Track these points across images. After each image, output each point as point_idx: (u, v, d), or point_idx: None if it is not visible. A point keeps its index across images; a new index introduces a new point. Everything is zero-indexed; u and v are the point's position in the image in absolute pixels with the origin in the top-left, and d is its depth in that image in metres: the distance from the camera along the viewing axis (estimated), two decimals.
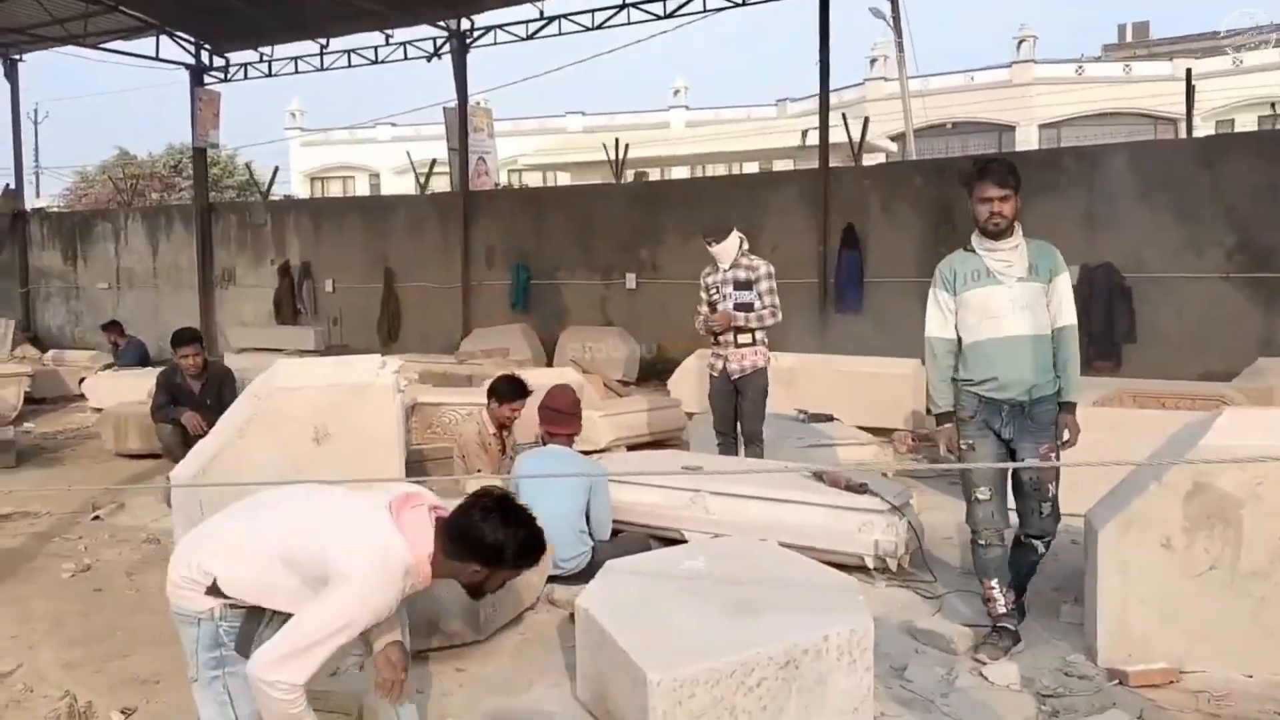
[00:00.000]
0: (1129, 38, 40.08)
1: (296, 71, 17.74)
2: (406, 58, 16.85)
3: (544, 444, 5.47)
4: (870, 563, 4.96)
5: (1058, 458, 4.14)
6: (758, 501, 5.26)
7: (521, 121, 34.13)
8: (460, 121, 16.37)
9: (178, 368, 6.94)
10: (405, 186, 38.81)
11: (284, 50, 17.81)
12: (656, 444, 8.78)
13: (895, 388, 9.15)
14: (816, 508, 5.12)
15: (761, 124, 33.71)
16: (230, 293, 18.93)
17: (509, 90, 28.61)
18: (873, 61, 35.50)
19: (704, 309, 6.50)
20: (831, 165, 13.49)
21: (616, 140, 16.06)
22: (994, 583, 4.22)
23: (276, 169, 19.65)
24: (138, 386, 10.55)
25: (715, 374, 6.52)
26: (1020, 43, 33.83)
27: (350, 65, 17.23)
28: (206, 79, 18.33)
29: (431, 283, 16.54)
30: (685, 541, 5.35)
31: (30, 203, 21.02)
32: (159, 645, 4.36)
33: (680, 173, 28.27)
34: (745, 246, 6.45)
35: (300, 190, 38.56)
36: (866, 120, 13.84)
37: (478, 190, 16.61)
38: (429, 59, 16.58)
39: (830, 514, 5.07)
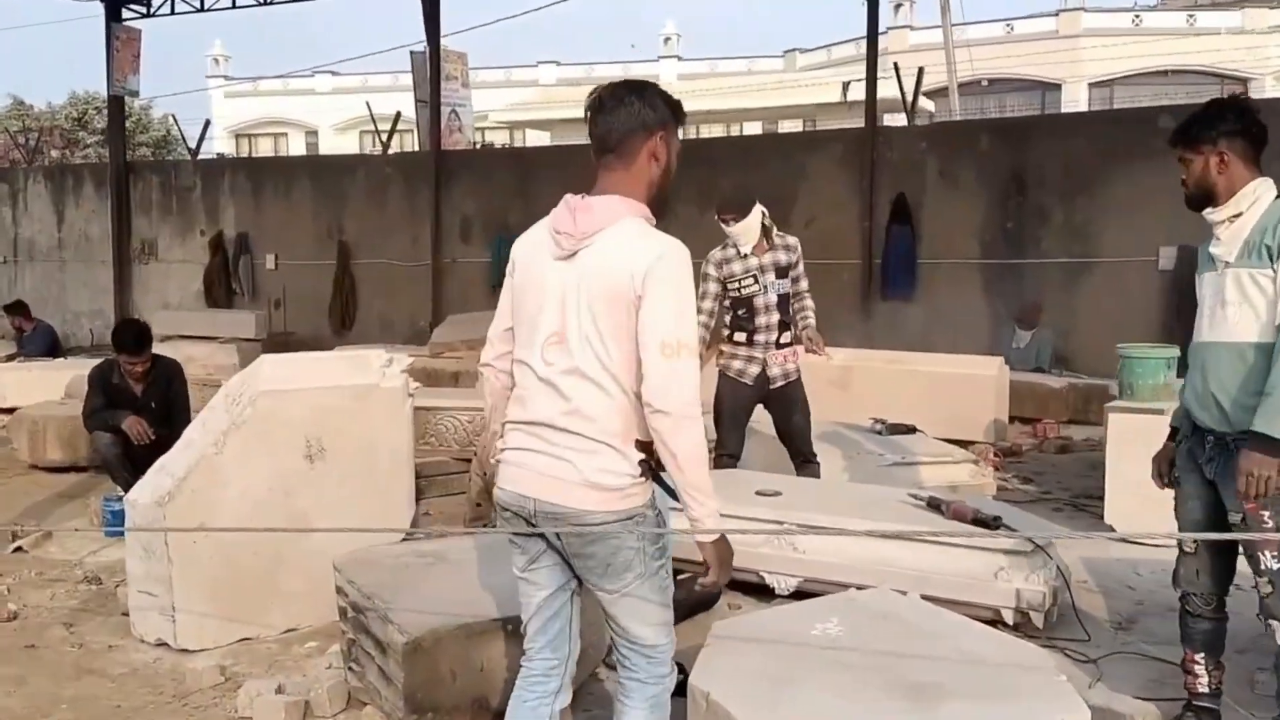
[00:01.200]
0: None
1: (234, 6, 17.15)
2: None
3: None
4: (1010, 617, 4.59)
5: (1274, 518, 3.44)
6: (863, 538, 4.88)
7: (484, 72, 33.57)
8: (432, 68, 15.88)
9: (115, 364, 6.47)
10: (348, 145, 38.40)
11: None
12: None
13: (975, 392, 8.82)
14: (940, 547, 4.74)
15: (766, 78, 33.42)
16: (151, 269, 18.41)
17: (469, 36, 28.19)
18: (897, 7, 35.26)
19: (707, 304, 5.96)
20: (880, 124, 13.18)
21: None
22: (1200, 656, 3.83)
23: (208, 122, 19.08)
24: (53, 381, 10.09)
25: (740, 380, 6.06)
26: None
27: None
28: (125, 14, 17.70)
29: (395, 260, 16.13)
30: (768, 587, 5.03)
31: None
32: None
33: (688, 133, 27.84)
34: (769, 222, 6.03)
35: (224, 149, 37.84)
36: (921, 71, 13.46)
37: (451, 150, 16.18)
38: None
39: (958, 555, 4.69)
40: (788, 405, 6.08)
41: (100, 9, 17.66)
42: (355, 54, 59.88)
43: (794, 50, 38.10)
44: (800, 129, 26.61)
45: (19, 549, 5.91)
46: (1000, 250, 12.15)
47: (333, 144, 38.48)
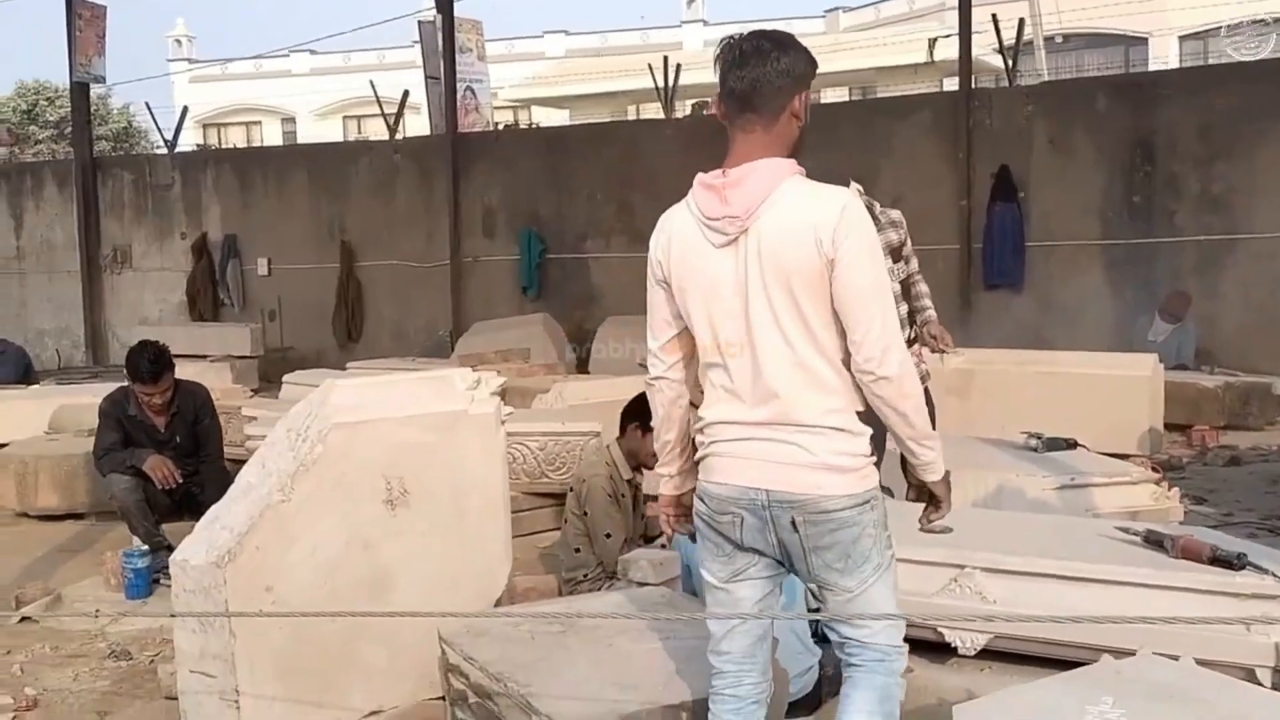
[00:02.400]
0: None
1: None
2: None
3: None
4: (1267, 678, 4.20)
5: None
6: (1069, 583, 4.51)
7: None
8: (445, 39, 15.61)
9: (130, 394, 6.15)
10: (331, 133, 38.24)
11: None
12: None
13: (1126, 396, 8.48)
14: (1170, 592, 4.35)
15: (809, 41, 33.07)
16: (126, 279, 18.23)
17: (469, 5, 27.90)
18: None
19: None
20: (978, 85, 12.85)
21: (665, 60, 15.36)
22: None
23: (185, 109, 18.88)
24: (34, 413, 9.78)
25: None
26: None
27: None
28: None
29: (408, 260, 15.97)
30: (947, 645, 4.67)
31: None
32: None
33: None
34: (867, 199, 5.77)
35: (190, 141, 37.64)
36: (1021, 22, 13.12)
37: (469, 132, 15.96)
38: None
39: (1196, 602, 4.31)
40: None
41: None
42: (338, 30, 59.32)
43: (837, 9, 37.78)
44: (848, 98, 26.35)
45: (25, 618, 5.57)
46: (1124, 229, 11.85)
47: (313, 131, 38.33)
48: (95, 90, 32.98)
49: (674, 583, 4.29)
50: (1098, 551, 4.70)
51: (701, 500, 3.04)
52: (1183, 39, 32.19)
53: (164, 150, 18.39)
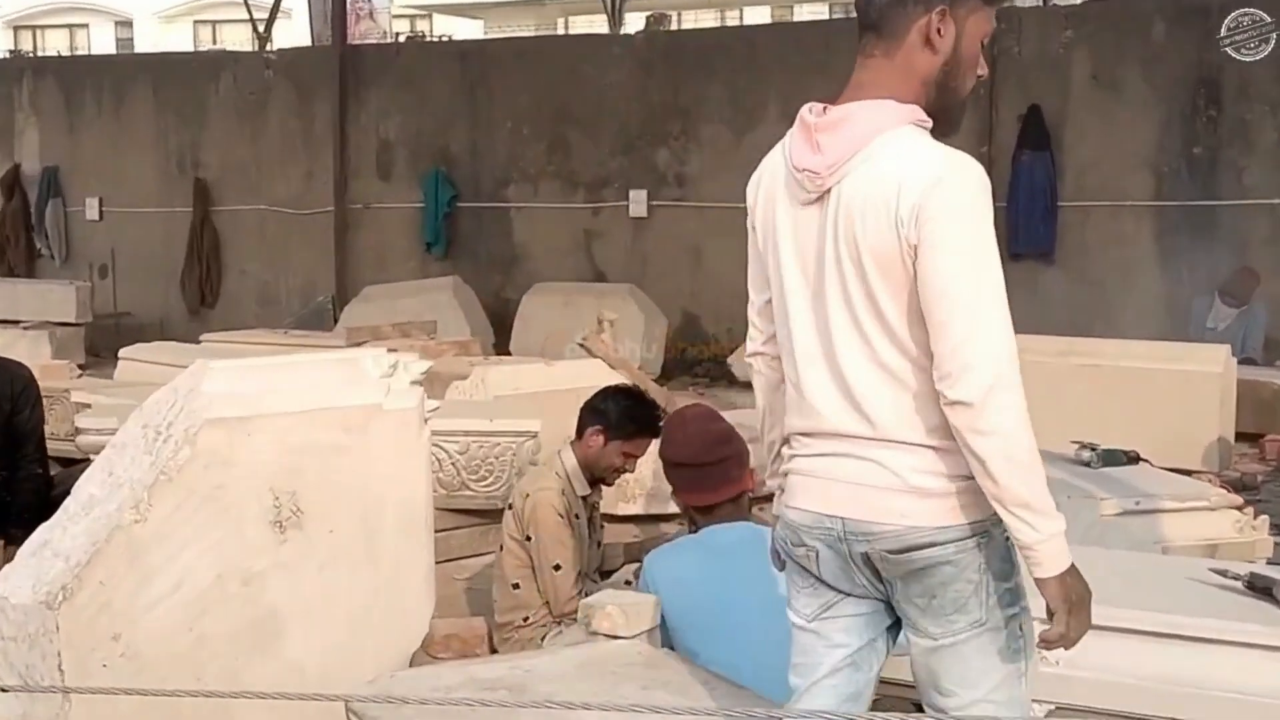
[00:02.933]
0: None
1: None
2: None
3: (693, 525, 4.68)
4: None
5: None
6: (1154, 641, 4.38)
7: None
8: None
9: None
10: (178, 42, 37.60)
11: None
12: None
13: (1193, 397, 8.40)
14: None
15: None
16: None
17: None
18: None
19: None
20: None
21: None
22: None
23: None
24: None
25: None
26: None
27: None
28: None
29: (280, 206, 15.73)
30: None
31: None
32: None
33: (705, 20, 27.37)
34: None
35: None
36: None
37: (362, 45, 15.70)
38: None
39: None
40: None
41: None
42: None
43: None
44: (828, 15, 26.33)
45: None
46: (1181, 187, 11.89)
47: (155, 38, 37.71)
48: None
49: (650, 635, 4.09)
50: (1188, 600, 4.58)
51: (782, 525, 3.05)
52: None
53: None
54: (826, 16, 26.03)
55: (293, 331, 13.09)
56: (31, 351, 13.73)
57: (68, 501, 4.22)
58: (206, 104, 16.16)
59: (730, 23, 26.77)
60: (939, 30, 2.76)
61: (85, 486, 4.22)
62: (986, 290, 2.66)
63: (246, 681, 4.15)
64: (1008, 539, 2.84)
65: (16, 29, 39.82)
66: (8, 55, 20.15)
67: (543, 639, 5.09)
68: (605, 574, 5.67)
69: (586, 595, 5.11)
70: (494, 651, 5.29)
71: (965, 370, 2.63)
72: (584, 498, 5.33)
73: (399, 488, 4.52)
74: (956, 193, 2.68)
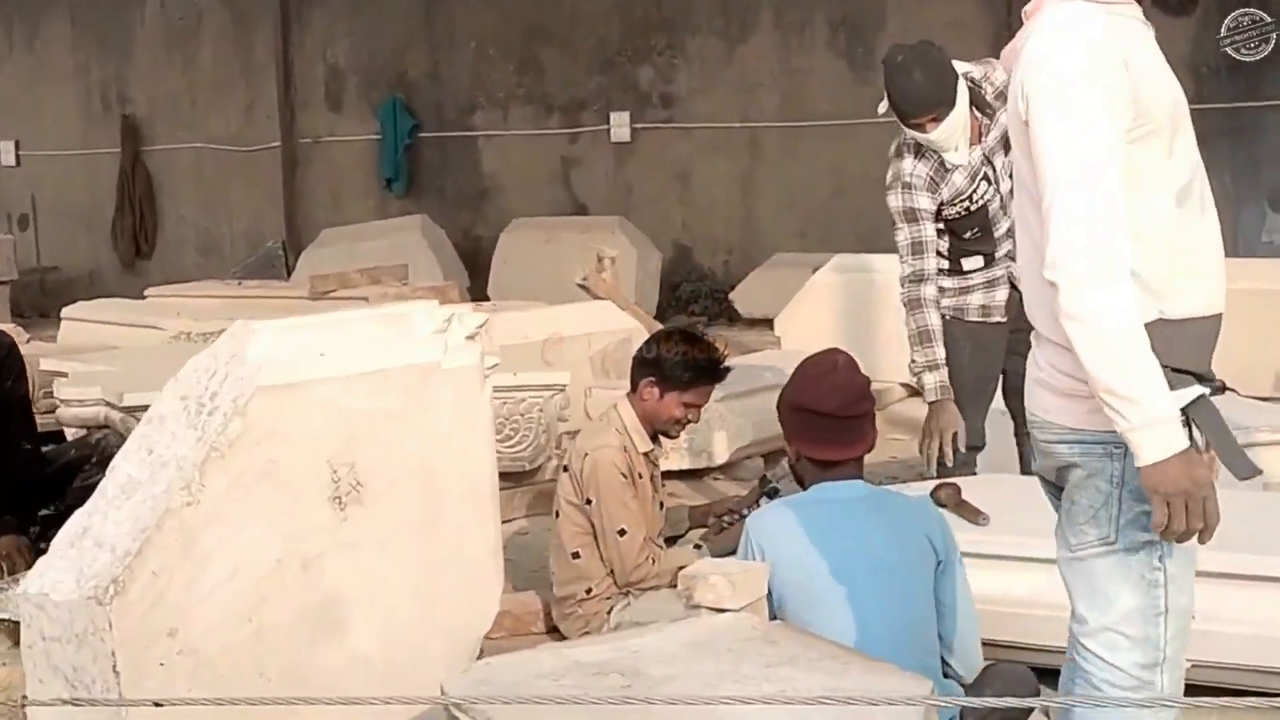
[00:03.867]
0: None
1: None
2: None
3: (801, 483, 4.57)
4: None
5: None
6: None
7: None
8: None
9: None
10: None
11: None
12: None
13: (1263, 317, 8.43)
14: None
15: None
16: None
17: None
18: None
19: (921, 262, 5.89)
20: None
21: None
22: None
23: None
24: None
25: (988, 321, 6.00)
26: None
27: None
28: None
29: (219, 143, 15.58)
30: None
31: None
32: None
33: None
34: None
35: None
36: None
37: None
38: None
39: None
40: (1024, 338, 5.78)
41: None
42: None
43: None
44: None
45: None
46: (1222, 88, 11.85)
47: None
48: None
49: (757, 606, 4.04)
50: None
51: None
52: None
53: None
54: None
55: (246, 282, 12.90)
56: None
57: (103, 484, 4.11)
58: (131, 32, 15.88)
59: None
60: None
61: (121, 466, 4.12)
62: (1076, 168, 2.78)
63: (310, 674, 4.10)
64: (1126, 454, 2.89)
65: None
66: None
67: (609, 612, 5.05)
68: (669, 540, 5.58)
69: (653, 561, 5.09)
70: (552, 628, 5.34)
71: (1053, 250, 2.78)
72: (645, 454, 5.27)
73: (461, 454, 4.46)
74: (1050, 72, 2.83)
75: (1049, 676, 4.59)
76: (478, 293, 12.62)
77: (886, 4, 12.86)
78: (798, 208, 13.37)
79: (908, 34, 12.56)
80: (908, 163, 5.78)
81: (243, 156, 15.38)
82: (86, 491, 5.91)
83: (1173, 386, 2.77)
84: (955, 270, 5.93)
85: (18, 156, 16.44)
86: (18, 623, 5.13)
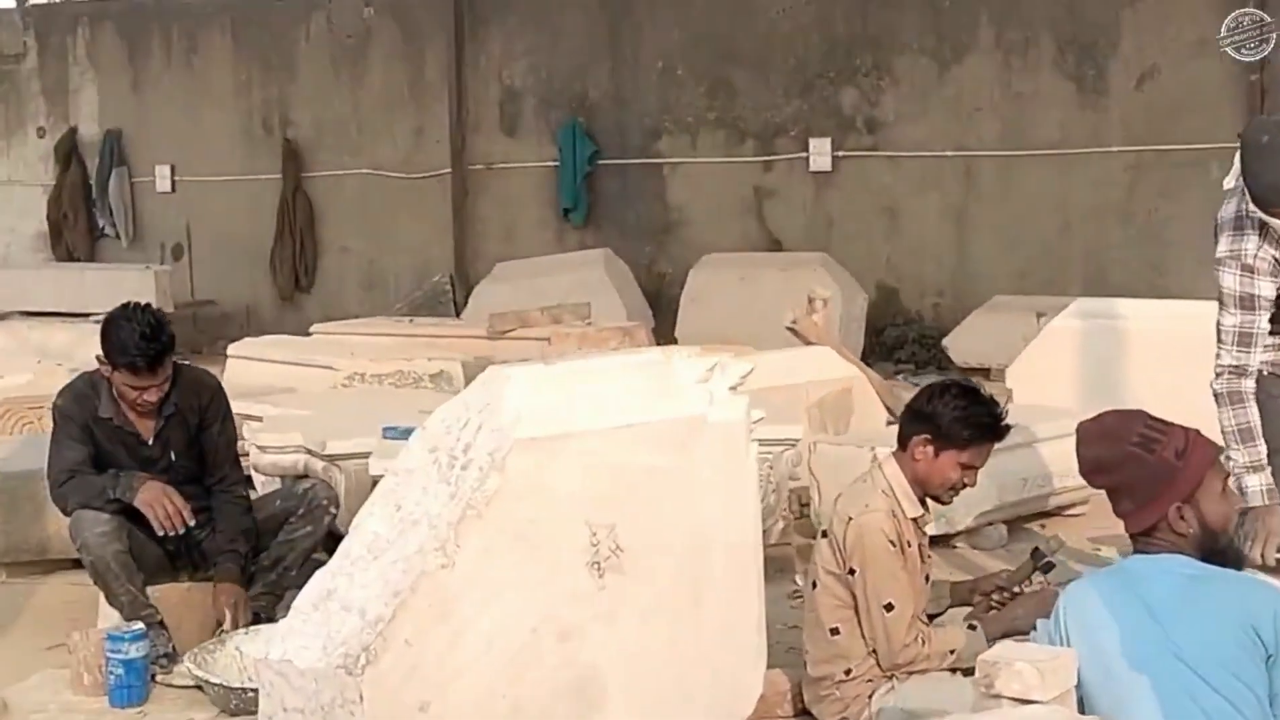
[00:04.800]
0: None
1: None
2: None
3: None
4: None
5: None
6: None
7: None
8: None
9: (103, 385, 5.83)
10: None
11: None
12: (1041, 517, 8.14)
13: None
14: None
15: None
16: None
17: None
18: None
19: (1253, 357, 5.61)
20: None
21: None
22: None
23: None
24: None
25: None
26: None
27: None
28: None
29: (386, 169, 15.63)
30: None
31: None
32: None
33: None
34: None
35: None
36: None
37: None
38: None
39: None
40: None
41: None
42: None
43: None
44: None
45: None
46: None
47: None
48: None
49: (1065, 698, 3.91)
50: None
51: None
52: None
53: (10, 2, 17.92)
54: None
55: (416, 320, 12.96)
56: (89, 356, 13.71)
57: (347, 542, 4.10)
58: (295, 51, 16.05)
59: None
60: None
61: (367, 524, 4.11)
62: None
63: None
64: None
65: None
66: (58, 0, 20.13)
67: (870, 695, 4.90)
68: (930, 616, 5.42)
69: (923, 642, 4.95)
70: (803, 710, 5.20)
71: None
72: (914, 520, 5.10)
73: (727, 517, 4.40)
74: None
75: None
76: (664, 334, 12.58)
77: (1121, 21, 12.57)
78: (1018, 246, 13.12)
79: (1144, 54, 12.45)
80: (1252, 243, 5.42)
81: (410, 184, 15.43)
82: (291, 545, 5.98)
83: None
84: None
85: (173, 182, 16.69)
86: (227, 687, 5.19)
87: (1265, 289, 5.46)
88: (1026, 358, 9.65)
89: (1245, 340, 5.52)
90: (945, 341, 12.23)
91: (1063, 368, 9.27)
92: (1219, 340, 5.56)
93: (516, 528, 3.97)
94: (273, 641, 4.00)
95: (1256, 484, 5.41)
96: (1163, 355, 8.91)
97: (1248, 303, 5.46)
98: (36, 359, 11.37)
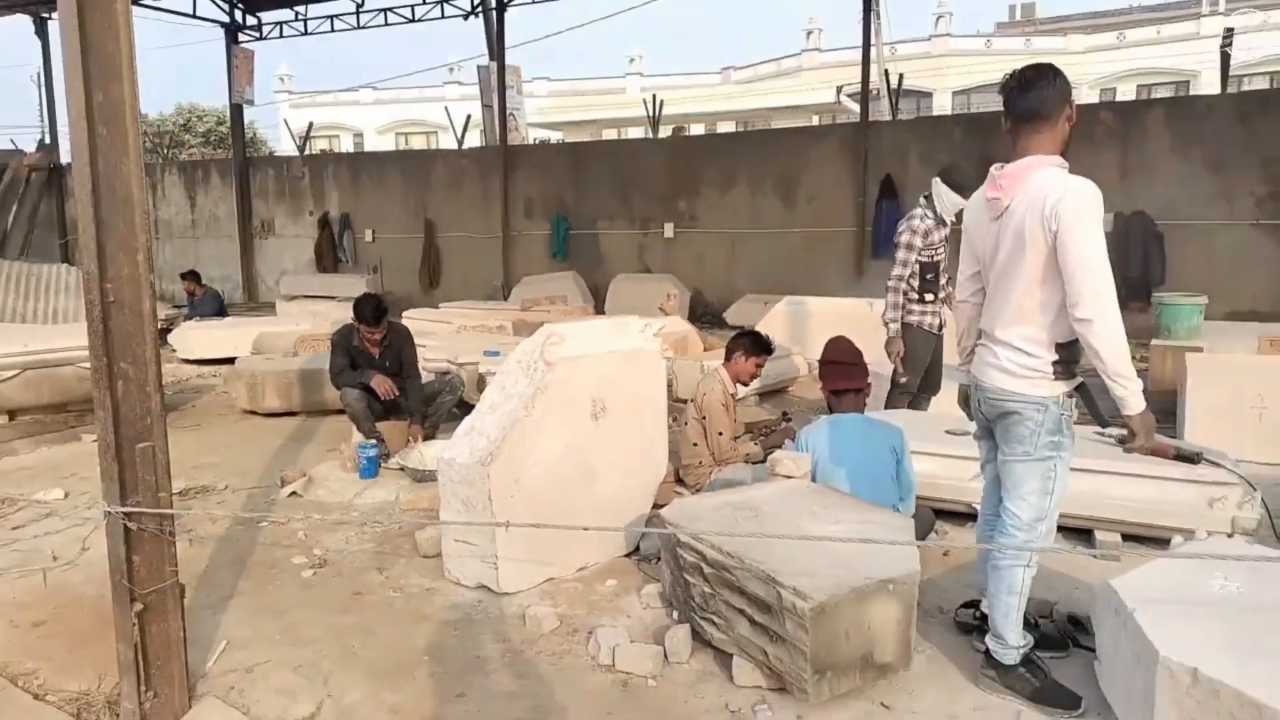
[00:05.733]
0: (1018, 16, 39.29)
1: (333, 29, 15.64)
2: (444, 16, 14.90)
3: (830, 409, 4.21)
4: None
5: None
6: (1077, 473, 4.09)
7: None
8: (499, 77, 14.64)
9: (353, 329, 5.48)
10: (387, 144, 36.48)
11: (318, 9, 15.70)
12: (774, 393, 7.81)
13: None
14: (1152, 480, 3.97)
15: (705, 90, 32.23)
16: (269, 243, 17.03)
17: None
18: (808, 34, 34.06)
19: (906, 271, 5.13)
20: (871, 120, 12.24)
21: (654, 96, 14.56)
22: None
23: (311, 124, 17.70)
24: (239, 339, 9.03)
25: (931, 331, 5.30)
26: (938, 19, 32.70)
27: (387, 24, 15.21)
28: (241, 37, 16.09)
29: (472, 233, 15.01)
30: (974, 514, 4.25)
31: (65, 157, 18.50)
32: (479, 671, 3.03)
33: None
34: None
35: (287, 147, 35.69)
36: (901, 76, 12.55)
37: (515, 145, 14.97)
38: (466, 17, 14.68)
39: (1173, 488, 3.93)
40: (941, 348, 5.40)
41: (220, 33, 16.01)
42: (395, 73, 56.03)
43: (728, 68, 36.73)
44: (741, 129, 25.62)
45: (294, 493, 4.93)
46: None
47: (374, 143, 36.58)
48: (217, 111, 31.58)
49: (806, 476, 3.79)
50: (1084, 451, 4.29)
51: (971, 386, 2.98)
52: (955, 94, 31.82)
53: (295, 153, 17.12)
54: (733, 128, 25.40)
55: (489, 302, 12.57)
56: (344, 313, 13.23)
57: (480, 403, 3.87)
58: (430, 178, 15.40)
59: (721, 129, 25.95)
60: (1072, 112, 2.66)
61: (488, 396, 3.88)
62: (1096, 254, 2.51)
63: (581, 503, 3.86)
64: (1063, 414, 2.72)
65: (301, 138, 38.44)
66: (320, 153, 19.38)
67: (709, 473, 4.73)
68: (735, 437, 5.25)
69: (734, 450, 4.78)
70: (679, 479, 4.93)
71: (1084, 299, 2.50)
72: (733, 395, 4.92)
73: (652, 395, 4.22)
74: (1082, 202, 2.52)
75: (943, 514, 4.38)
76: (599, 310, 12.27)
77: (802, 172, 12.41)
78: (755, 271, 12.83)
79: (814, 185, 12.26)
80: (916, 220, 5.09)
81: (484, 239, 14.88)
82: (440, 405, 5.69)
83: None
84: (920, 300, 5.18)
85: (374, 237, 16.00)
86: (416, 469, 4.94)
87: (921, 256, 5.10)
88: (764, 323, 9.50)
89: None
90: (725, 315, 11.99)
91: (780, 327, 9.17)
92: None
93: (559, 398, 3.77)
94: (446, 449, 3.78)
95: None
96: (820, 323, 8.80)
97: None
98: (312, 318, 10.92)
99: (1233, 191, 10.04)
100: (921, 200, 5.24)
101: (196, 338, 9.41)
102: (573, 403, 3.82)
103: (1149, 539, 3.97)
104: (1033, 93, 2.62)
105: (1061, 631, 3.19)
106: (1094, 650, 2.97)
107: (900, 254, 5.12)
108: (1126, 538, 4.01)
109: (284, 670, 3.13)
